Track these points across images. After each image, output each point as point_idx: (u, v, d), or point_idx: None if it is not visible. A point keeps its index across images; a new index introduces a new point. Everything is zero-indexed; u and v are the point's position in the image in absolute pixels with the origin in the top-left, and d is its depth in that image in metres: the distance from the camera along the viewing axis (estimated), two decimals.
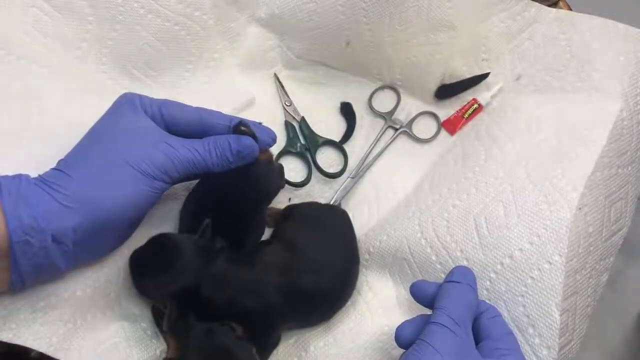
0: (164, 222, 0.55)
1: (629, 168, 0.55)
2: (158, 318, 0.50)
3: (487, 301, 0.49)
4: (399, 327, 0.46)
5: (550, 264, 0.47)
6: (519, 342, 0.46)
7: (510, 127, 0.58)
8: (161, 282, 0.47)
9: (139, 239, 0.52)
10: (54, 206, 0.42)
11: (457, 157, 0.61)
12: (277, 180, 0.56)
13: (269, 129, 0.53)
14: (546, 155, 0.53)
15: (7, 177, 0.43)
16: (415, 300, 0.47)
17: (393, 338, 0.45)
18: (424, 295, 0.47)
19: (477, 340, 0.44)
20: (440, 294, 0.45)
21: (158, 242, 0.48)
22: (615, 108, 0.54)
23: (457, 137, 0.65)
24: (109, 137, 0.47)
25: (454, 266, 0.51)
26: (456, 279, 0.45)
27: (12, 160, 0.49)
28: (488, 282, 0.49)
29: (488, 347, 0.43)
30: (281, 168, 0.57)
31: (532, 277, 0.47)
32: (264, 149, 0.52)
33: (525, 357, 0.45)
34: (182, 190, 0.56)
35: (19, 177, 0.43)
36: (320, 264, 0.52)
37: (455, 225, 0.53)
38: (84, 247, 0.44)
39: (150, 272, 0.48)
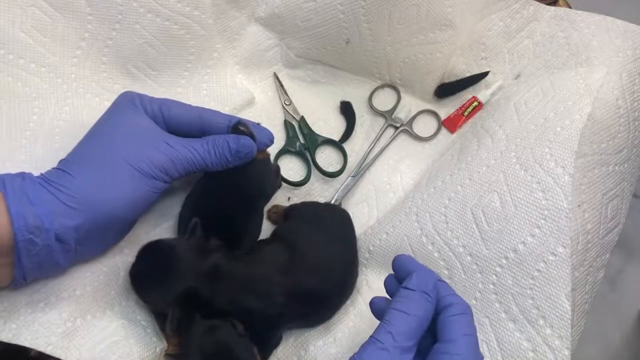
0: (164, 221, 0.55)
1: (625, 165, 0.55)
2: (160, 319, 0.50)
3: (494, 295, 0.49)
4: (372, 300, 0.46)
5: (555, 255, 0.47)
6: (530, 334, 0.46)
7: (501, 114, 0.58)
8: (165, 290, 0.47)
9: (140, 237, 0.52)
10: (58, 206, 0.42)
11: (455, 152, 0.61)
12: (275, 178, 0.56)
13: (267, 129, 0.53)
14: (533, 133, 0.53)
15: (10, 174, 0.43)
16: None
17: None
18: (400, 270, 0.44)
19: (435, 341, 0.41)
20: (392, 303, 0.42)
21: (152, 251, 0.49)
22: (599, 75, 0.54)
23: (457, 135, 0.65)
24: (110, 137, 0.47)
25: (457, 263, 0.51)
26: (411, 286, 0.42)
27: (12, 160, 0.50)
28: (494, 277, 0.49)
29: (437, 351, 0.40)
30: (277, 168, 0.57)
31: (538, 270, 0.47)
32: (262, 149, 0.52)
33: (538, 349, 0.46)
34: (182, 190, 0.56)
35: (21, 175, 0.43)
36: (321, 265, 0.52)
37: (453, 219, 0.53)
38: (86, 245, 0.45)
39: (152, 282, 0.48)
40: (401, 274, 0.44)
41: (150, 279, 0.48)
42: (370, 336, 0.40)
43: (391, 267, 0.52)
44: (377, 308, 0.45)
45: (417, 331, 0.40)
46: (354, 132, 0.66)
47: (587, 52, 0.58)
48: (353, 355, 0.40)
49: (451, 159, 0.60)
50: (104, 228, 0.45)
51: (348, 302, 0.55)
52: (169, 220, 0.55)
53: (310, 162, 0.63)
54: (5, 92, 0.51)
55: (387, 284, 0.46)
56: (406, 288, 0.42)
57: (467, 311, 0.42)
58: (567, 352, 0.45)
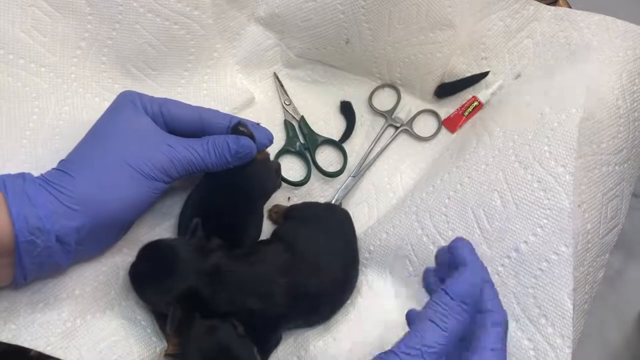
0: (164, 221, 0.55)
1: (625, 165, 0.55)
2: (160, 319, 0.50)
3: None
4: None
5: (558, 255, 0.47)
6: (531, 333, 0.46)
7: (501, 113, 0.58)
8: (165, 289, 0.47)
9: (140, 237, 0.52)
10: (59, 207, 0.42)
11: (454, 151, 0.61)
12: (274, 178, 0.56)
13: (267, 129, 0.53)
14: (530, 130, 0.53)
15: (10, 175, 0.43)
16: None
17: (392, 337, 0.45)
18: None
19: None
20: (425, 309, 0.39)
21: (153, 251, 0.49)
22: (598, 72, 0.54)
23: (457, 135, 0.65)
24: (111, 138, 0.47)
25: None
26: (452, 293, 0.39)
27: (12, 160, 0.50)
28: (496, 276, 0.49)
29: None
30: (278, 167, 0.57)
31: (540, 269, 0.47)
32: (261, 149, 0.52)
33: (539, 347, 0.46)
34: (183, 190, 0.56)
35: (22, 176, 0.44)
36: (321, 265, 0.52)
37: (454, 219, 0.53)
38: (86, 246, 0.45)
39: (153, 282, 0.48)
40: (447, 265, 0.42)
41: (151, 278, 0.48)
42: (399, 344, 0.38)
43: (393, 270, 0.52)
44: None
45: (447, 348, 0.38)
46: (354, 132, 0.66)
47: (587, 52, 0.58)
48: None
49: (450, 158, 0.60)
50: (104, 229, 0.46)
51: (348, 302, 0.55)
52: (169, 220, 0.55)
53: (310, 162, 0.63)
54: (5, 92, 0.51)
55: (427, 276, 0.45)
56: (446, 293, 0.39)
57: (502, 323, 0.40)
58: (568, 351, 0.45)
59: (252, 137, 0.50)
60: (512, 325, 0.48)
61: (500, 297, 0.48)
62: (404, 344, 0.37)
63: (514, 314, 0.48)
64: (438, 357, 0.37)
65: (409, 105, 0.68)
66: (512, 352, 0.47)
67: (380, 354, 0.38)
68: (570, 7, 0.65)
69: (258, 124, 0.53)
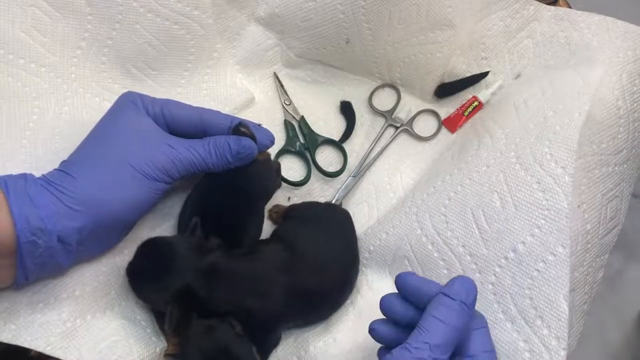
0: (165, 221, 0.55)
1: (624, 166, 0.55)
2: (160, 319, 0.50)
3: (493, 295, 0.49)
4: (373, 323, 0.44)
5: (555, 255, 0.47)
6: (527, 335, 0.46)
7: (501, 113, 0.58)
8: (162, 286, 0.47)
9: (140, 237, 0.52)
10: (60, 208, 0.42)
11: (455, 152, 0.61)
12: (275, 178, 0.56)
13: (268, 130, 0.53)
14: (532, 133, 0.53)
15: (11, 176, 0.44)
16: (402, 293, 0.43)
17: None
18: (415, 292, 0.42)
19: (453, 353, 0.39)
20: (428, 309, 0.40)
21: (151, 248, 0.49)
22: (598, 73, 0.54)
23: (457, 135, 0.65)
24: (112, 139, 0.47)
25: (457, 262, 0.51)
26: (452, 294, 0.40)
27: (13, 160, 0.50)
28: (493, 277, 0.49)
29: None
30: (278, 166, 0.57)
31: (537, 270, 0.47)
32: (263, 150, 0.52)
33: (534, 349, 0.45)
34: (183, 190, 0.56)
35: (23, 176, 0.44)
36: (320, 265, 0.52)
37: (453, 219, 0.53)
38: (88, 246, 0.46)
39: (150, 279, 0.48)
40: (412, 294, 0.42)
41: (148, 276, 0.48)
42: (407, 344, 0.38)
43: (393, 270, 0.52)
44: (380, 335, 0.44)
45: (453, 345, 0.39)
46: (354, 132, 0.66)
47: (587, 52, 0.58)
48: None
49: (451, 159, 0.60)
50: (106, 229, 0.46)
51: (348, 301, 0.55)
52: (170, 220, 0.55)
53: (310, 162, 0.63)
54: (5, 92, 0.51)
55: (388, 304, 0.44)
56: (447, 295, 0.40)
57: (487, 325, 0.42)
58: (563, 353, 0.45)
59: (253, 137, 0.50)
60: (507, 326, 0.48)
61: (497, 298, 0.49)
62: (412, 340, 0.39)
63: (510, 315, 0.48)
64: (443, 351, 0.38)
65: (409, 105, 0.68)
66: (508, 354, 0.47)
67: (391, 349, 0.39)
68: (570, 7, 0.65)
69: (259, 124, 0.53)
